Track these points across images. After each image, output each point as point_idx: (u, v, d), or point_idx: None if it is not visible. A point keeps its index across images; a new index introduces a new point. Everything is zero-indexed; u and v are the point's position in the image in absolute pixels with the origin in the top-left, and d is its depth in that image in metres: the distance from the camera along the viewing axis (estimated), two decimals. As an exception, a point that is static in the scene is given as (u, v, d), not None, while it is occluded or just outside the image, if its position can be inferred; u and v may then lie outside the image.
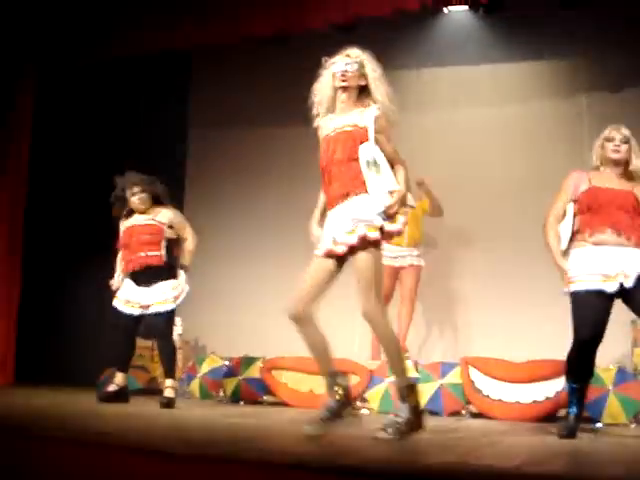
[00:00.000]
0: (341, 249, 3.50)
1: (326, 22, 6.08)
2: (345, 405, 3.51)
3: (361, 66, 3.65)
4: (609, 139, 4.06)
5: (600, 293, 3.81)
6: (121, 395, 5.30)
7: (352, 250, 3.49)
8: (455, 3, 6.26)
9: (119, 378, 5.37)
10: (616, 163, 4.05)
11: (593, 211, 3.95)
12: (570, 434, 3.86)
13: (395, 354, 3.54)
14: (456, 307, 6.43)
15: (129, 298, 5.33)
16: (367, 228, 3.45)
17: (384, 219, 3.50)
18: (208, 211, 7.21)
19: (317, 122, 3.76)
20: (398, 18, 6.11)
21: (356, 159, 3.54)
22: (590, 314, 3.82)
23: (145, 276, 5.31)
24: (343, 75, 3.62)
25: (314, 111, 3.73)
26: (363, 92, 3.69)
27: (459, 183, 6.23)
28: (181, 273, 5.35)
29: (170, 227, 5.42)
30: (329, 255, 3.56)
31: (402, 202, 3.56)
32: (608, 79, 6.29)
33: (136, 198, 5.40)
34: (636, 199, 3.96)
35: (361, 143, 3.56)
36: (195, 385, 6.18)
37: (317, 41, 6.61)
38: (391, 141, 3.67)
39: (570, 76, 6.51)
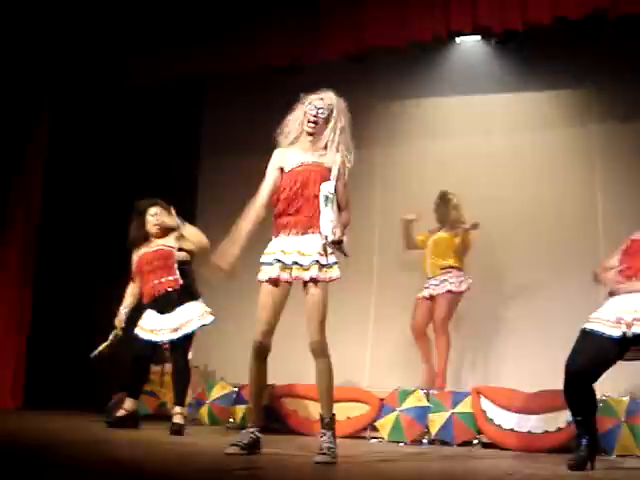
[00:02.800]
0: (294, 277, 3.80)
1: (340, 53, 6.14)
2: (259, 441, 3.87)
3: (330, 113, 3.90)
4: None
5: (606, 337, 3.77)
6: (130, 420, 5.27)
7: (305, 283, 3.79)
8: (467, 33, 6.30)
9: (129, 403, 5.35)
10: None
11: (624, 260, 4.00)
12: (579, 465, 3.74)
13: (330, 387, 3.82)
14: (471, 335, 6.38)
15: (152, 327, 5.32)
16: (318, 267, 3.76)
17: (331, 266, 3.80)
18: (219, 237, 7.19)
19: (276, 152, 3.99)
20: (410, 48, 6.16)
21: (317, 194, 3.80)
22: (588, 349, 3.79)
23: (166, 301, 5.31)
24: (314, 122, 3.89)
25: (279, 139, 3.98)
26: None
27: (471, 211, 6.21)
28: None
29: (180, 250, 5.43)
30: (277, 282, 3.83)
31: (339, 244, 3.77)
32: (619, 109, 6.30)
33: (154, 219, 5.43)
34: None
35: (322, 179, 3.82)
36: (204, 411, 6.16)
37: (330, 71, 6.69)
38: (346, 188, 3.97)
39: (581, 106, 6.53)
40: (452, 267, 5.99)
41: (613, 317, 3.78)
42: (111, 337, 5.48)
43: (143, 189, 6.16)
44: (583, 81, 6.39)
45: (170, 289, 5.31)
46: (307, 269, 3.77)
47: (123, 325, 5.48)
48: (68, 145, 7.34)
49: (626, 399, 4.93)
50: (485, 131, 6.79)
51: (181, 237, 5.41)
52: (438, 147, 6.86)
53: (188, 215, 5.77)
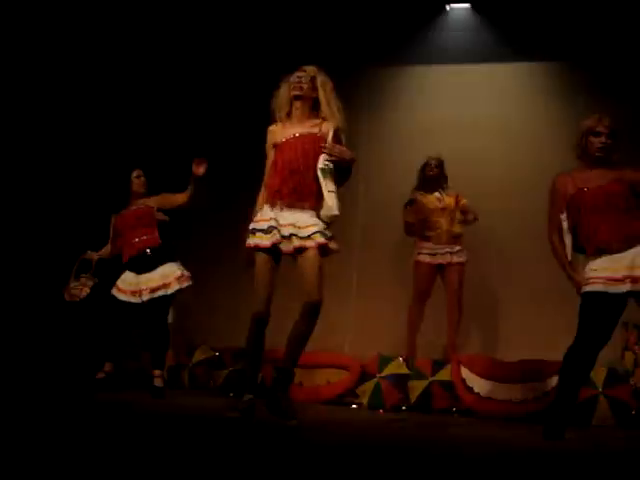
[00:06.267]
0: (292, 248, 3.80)
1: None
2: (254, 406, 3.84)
3: (313, 79, 3.96)
4: (595, 133, 3.89)
5: (608, 296, 3.75)
6: (110, 383, 5.28)
7: (300, 250, 3.81)
8: (457, 1, 6.24)
9: (108, 366, 5.36)
10: (602, 160, 3.91)
11: (585, 216, 3.88)
12: (556, 435, 3.76)
13: (303, 347, 3.82)
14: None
15: (131, 288, 5.32)
16: (322, 236, 3.79)
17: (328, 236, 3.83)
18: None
19: (271, 127, 4.04)
20: (399, 15, 6.10)
21: (312, 167, 3.85)
22: (598, 314, 3.75)
23: (144, 260, 5.31)
24: (298, 84, 3.95)
25: (275, 116, 4.02)
26: (316, 104, 3.99)
27: (458, 181, 6.19)
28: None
29: (160, 209, 5.42)
30: (272, 249, 3.82)
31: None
32: (606, 80, 6.27)
33: (138, 180, 5.49)
34: (626, 188, 3.85)
35: (316, 151, 3.85)
36: (185, 375, 6.17)
37: (323, 37, 6.63)
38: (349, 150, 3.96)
39: (569, 76, 6.50)
40: (460, 235, 5.93)
41: (619, 274, 3.73)
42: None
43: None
44: (572, 53, 6.35)
45: (149, 247, 5.32)
46: (311, 238, 3.78)
47: (95, 256, 5.50)
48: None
49: (604, 370, 4.97)
50: (472, 101, 6.75)
51: (159, 197, 5.45)
52: (423, 115, 6.82)
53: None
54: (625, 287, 3.73)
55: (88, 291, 5.44)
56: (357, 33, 6.66)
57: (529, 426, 4.53)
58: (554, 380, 5.07)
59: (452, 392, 5.29)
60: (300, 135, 3.91)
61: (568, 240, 3.92)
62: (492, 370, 5.27)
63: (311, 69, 4.00)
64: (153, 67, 7.09)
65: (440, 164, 6.01)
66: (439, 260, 5.85)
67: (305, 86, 3.94)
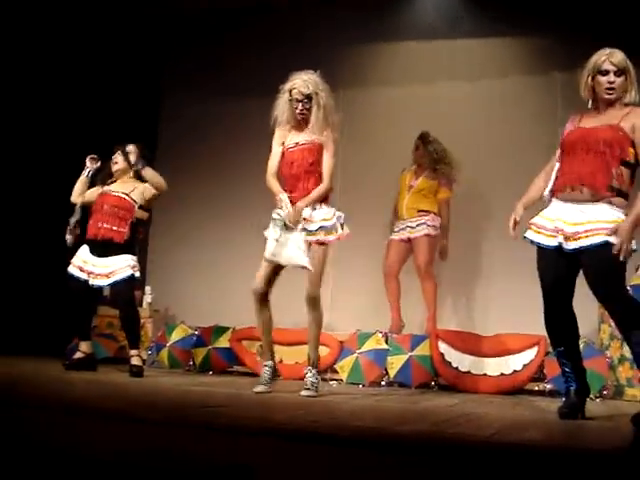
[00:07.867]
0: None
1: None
2: (276, 370, 4.40)
3: (311, 99, 4.23)
4: (602, 72, 3.40)
5: (550, 248, 3.42)
6: (88, 363, 5.26)
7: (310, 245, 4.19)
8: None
9: (84, 346, 5.34)
10: (610, 101, 3.43)
11: (562, 158, 3.50)
12: (570, 413, 3.45)
13: (318, 332, 4.24)
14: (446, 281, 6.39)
15: (82, 265, 5.26)
16: (324, 233, 4.18)
17: (336, 228, 4.24)
18: (178, 181, 7.10)
19: (277, 129, 4.37)
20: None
21: (312, 172, 4.25)
22: (545, 266, 3.46)
23: (103, 248, 5.26)
24: (301, 111, 4.25)
25: (277, 121, 4.35)
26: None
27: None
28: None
29: (141, 208, 5.38)
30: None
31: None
32: (582, 56, 6.26)
33: (112, 162, 5.46)
34: (620, 135, 3.36)
35: (314, 156, 4.27)
36: (164, 354, 6.16)
37: (295, 14, 6.60)
38: (333, 158, 4.32)
39: (544, 52, 6.49)
40: (429, 211, 5.93)
41: (551, 225, 3.41)
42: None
43: (105, 127, 6.06)
44: (546, 27, 6.35)
45: (113, 239, 5.25)
46: (314, 234, 4.16)
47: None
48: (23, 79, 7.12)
49: (581, 344, 5.01)
50: (449, 77, 6.75)
51: (143, 188, 5.39)
52: (400, 91, 6.81)
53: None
54: (554, 241, 3.40)
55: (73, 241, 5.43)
56: (334, 10, 6.62)
57: (507, 399, 4.57)
58: (531, 353, 5.15)
59: (431, 367, 5.33)
60: (301, 143, 4.29)
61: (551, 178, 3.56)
62: (470, 344, 5.31)
63: (307, 88, 4.21)
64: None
65: (419, 145, 6.02)
66: (402, 235, 5.92)
67: (307, 111, 4.24)
